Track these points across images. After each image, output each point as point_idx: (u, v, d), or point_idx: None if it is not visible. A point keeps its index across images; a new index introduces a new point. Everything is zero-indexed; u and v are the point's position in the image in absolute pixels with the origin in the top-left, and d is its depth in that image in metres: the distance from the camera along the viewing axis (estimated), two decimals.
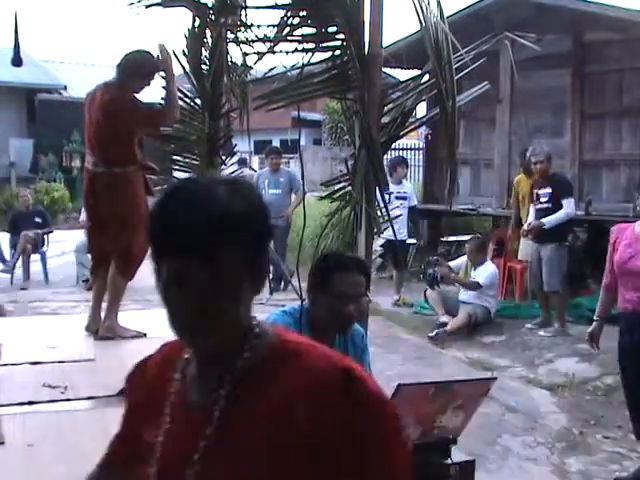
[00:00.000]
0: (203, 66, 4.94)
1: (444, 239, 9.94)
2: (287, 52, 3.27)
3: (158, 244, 1.12)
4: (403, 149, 15.64)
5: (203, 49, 4.89)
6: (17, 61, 13.19)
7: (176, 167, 5.32)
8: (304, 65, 3.24)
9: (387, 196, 3.56)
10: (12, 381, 3.60)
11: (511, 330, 7.06)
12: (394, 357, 6.25)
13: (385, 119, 3.36)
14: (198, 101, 5.02)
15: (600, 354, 6.08)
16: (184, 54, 4.87)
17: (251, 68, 4.66)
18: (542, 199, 6.91)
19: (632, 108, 8.27)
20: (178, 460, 1.12)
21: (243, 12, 4.01)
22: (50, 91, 20.31)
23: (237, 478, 1.06)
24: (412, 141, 14.40)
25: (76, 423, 3.07)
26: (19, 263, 9.45)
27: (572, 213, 6.91)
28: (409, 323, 7.51)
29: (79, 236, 9.38)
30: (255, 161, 19.36)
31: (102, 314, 4.54)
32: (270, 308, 5.86)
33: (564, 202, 6.80)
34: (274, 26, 3.27)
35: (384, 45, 3.34)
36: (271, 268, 8.94)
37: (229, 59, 4.84)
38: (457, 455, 2.14)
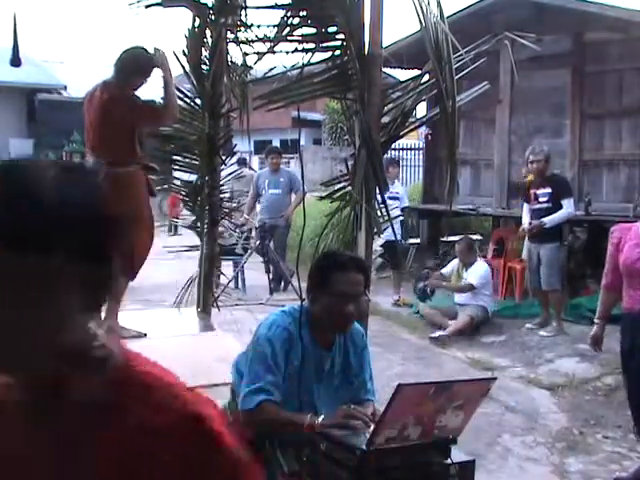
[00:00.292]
0: (203, 66, 4.94)
1: (444, 239, 9.94)
2: (287, 52, 3.27)
3: None
4: (403, 149, 15.64)
5: (203, 49, 4.89)
6: (16, 61, 13.18)
7: (176, 167, 5.33)
8: (304, 65, 3.24)
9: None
10: None
11: (511, 330, 7.06)
12: (394, 357, 6.25)
13: (385, 119, 3.36)
14: (198, 101, 5.02)
15: (600, 354, 6.09)
16: (184, 54, 4.87)
17: (251, 68, 4.66)
18: (541, 199, 6.91)
19: (632, 108, 8.26)
20: None
21: (243, 12, 4.01)
22: (50, 91, 20.30)
23: None
24: (412, 141, 14.41)
25: None
26: None
27: (572, 213, 6.92)
28: (409, 323, 7.51)
29: None
30: (255, 161, 19.38)
31: (102, 314, 4.54)
32: (270, 308, 5.87)
33: (564, 202, 6.81)
34: (274, 26, 3.27)
35: (384, 45, 3.33)
36: (271, 268, 8.96)
37: (229, 59, 4.84)
38: (457, 455, 2.14)
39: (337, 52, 3.30)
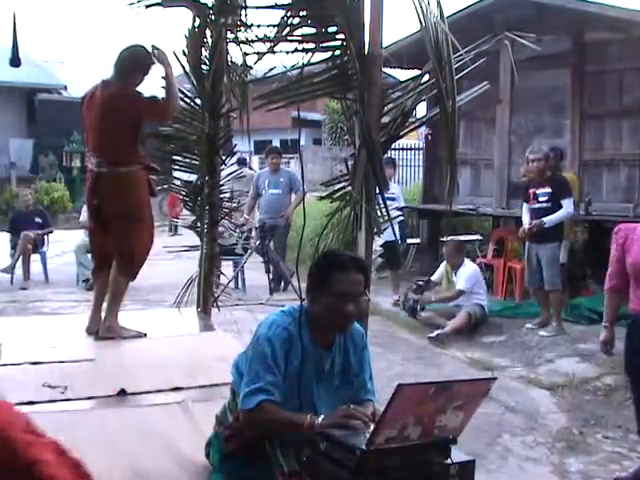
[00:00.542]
0: (203, 66, 4.94)
1: (444, 239, 9.94)
2: (287, 52, 3.27)
3: None
4: (403, 149, 15.64)
5: (203, 49, 4.90)
6: (15, 61, 13.18)
7: (176, 167, 5.33)
8: (304, 65, 3.24)
9: None
10: (12, 381, 3.60)
11: (511, 330, 7.06)
12: (394, 357, 6.25)
13: (385, 119, 3.36)
14: (198, 101, 5.02)
15: (600, 354, 6.09)
16: (184, 54, 4.88)
17: (251, 68, 4.66)
18: (541, 199, 6.91)
19: (632, 108, 8.26)
20: None
21: (243, 12, 4.01)
22: (50, 91, 20.31)
23: None
24: (412, 141, 14.41)
25: (76, 423, 3.07)
26: (19, 263, 9.45)
27: (572, 213, 6.92)
28: (409, 323, 7.51)
29: (79, 236, 9.40)
30: (255, 161, 19.38)
31: (102, 315, 4.54)
32: (270, 308, 5.87)
33: (564, 202, 6.81)
34: (274, 26, 3.27)
35: (384, 45, 3.33)
36: (271, 268, 8.96)
37: (229, 59, 4.84)
38: (457, 455, 2.14)
39: (337, 52, 3.30)
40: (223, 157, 5.17)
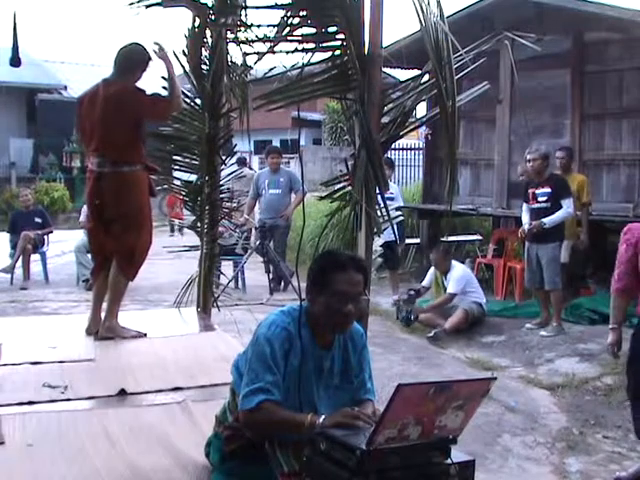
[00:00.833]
0: (203, 66, 4.94)
1: (444, 239, 9.94)
2: (287, 52, 3.27)
3: None
4: (403, 149, 15.65)
5: (203, 49, 4.90)
6: (15, 61, 13.18)
7: (176, 167, 5.33)
8: (304, 65, 3.24)
9: None
10: (12, 381, 3.60)
11: (511, 330, 7.06)
12: (394, 357, 6.25)
13: (385, 119, 3.36)
14: (198, 101, 5.02)
15: (600, 354, 6.09)
16: (184, 54, 4.88)
17: (251, 68, 4.67)
18: (540, 199, 6.91)
19: (632, 108, 8.25)
20: None
21: (243, 12, 4.01)
22: (50, 91, 20.32)
23: None
24: (412, 141, 14.41)
25: (76, 423, 3.07)
26: (19, 263, 9.45)
27: (572, 213, 6.92)
28: None
29: (79, 236, 9.40)
30: (255, 161, 19.39)
31: (102, 315, 4.54)
32: (270, 308, 5.87)
33: (563, 202, 6.81)
34: (274, 26, 3.26)
35: (384, 45, 3.33)
36: (271, 268, 8.96)
37: (229, 59, 4.84)
38: (457, 455, 2.14)
39: (337, 52, 3.30)
40: (223, 157, 5.17)
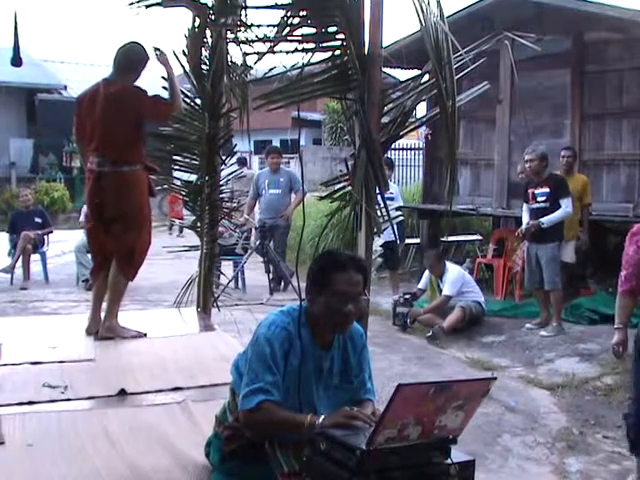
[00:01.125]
0: (203, 66, 4.94)
1: (444, 239, 9.94)
2: (287, 52, 3.27)
3: None
4: (403, 149, 15.65)
5: (203, 49, 4.90)
6: (17, 61, 13.17)
7: (176, 167, 5.33)
8: (304, 65, 3.24)
9: None
10: (12, 381, 3.60)
11: (511, 330, 7.06)
12: (394, 357, 6.25)
13: (385, 119, 3.36)
14: (198, 101, 5.02)
15: (600, 354, 6.09)
16: (184, 54, 4.88)
17: (251, 68, 4.67)
18: (539, 199, 6.92)
19: (632, 108, 8.25)
20: None
21: (243, 12, 4.01)
22: (50, 91, 20.32)
23: None
24: (412, 141, 14.41)
25: (76, 423, 3.07)
26: (19, 263, 9.45)
27: (570, 212, 6.92)
28: None
29: (79, 236, 9.40)
30: (255, 161, 19.39)
31: (102, 315, 4.54)
32: (270, 308, 5.87)
33: (562, 202, 6.81)
34: (274, 26, 3.26)
35: (384, 45, 3.33)
36: (271, 268, 8.96)
37: (229, 59, 4.84)
38: (457, 455, 2.14)
39: (337, 52, 3.30)
40: (223, 157, 5.17)
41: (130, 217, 4.38)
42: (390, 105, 3.38)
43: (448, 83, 3.04)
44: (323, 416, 2.25)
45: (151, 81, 4.63)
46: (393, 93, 3.44)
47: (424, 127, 9.69)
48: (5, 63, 16.80)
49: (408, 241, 9.92)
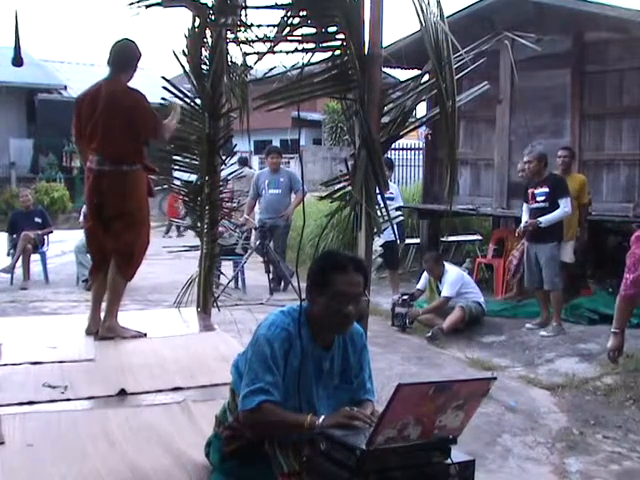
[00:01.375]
0: (203, 66, 4.94)
1: (444, 239, 9.95)
2: (287, 52, 3.27)
3: None
4: (403, 149, 15.65)
5: (203, 49, 4.90)
6: (18, 61, 13.15)
7: (176, 167, 5.33)
8: (304, 65, 3.24)
9: None
10: (12, 381, 3.60)
11: (511, 330, 7.06)
12: (394, 357, 6.25)
13: (385, 119, 3.36)
14: (198, 101, 5.02)
15: (600, 354, 6.09)
16: (184, 54, 4.88)
17: (251, 68, 4.67)
18: (539, 198, 6.92)
19: (632, 108, 8.25)
20: None
21: (243, 12, 4.01)
22: (50, 91, 20.33)
23: None
24: (412, 141, 14.41)
25: (76, 423, 3.07)
26: (19, 263, 9.45)
27: (569, 212, 6.92)
28: None
29: (79, 236, 9.39)
30: (255, 161, 19.39)
31: (102, 315, 4.54)
32: (270, 308, 5.87)
33: (561, 202, 6.81)
34: (274, 26, 3.27)
35: (384, 45, 3.33)
36: (271, 268, 8.96)
37: (229, 59, 4.84)
38: (457, 455, 2.14)
39: (337, 52, 3.30)
40: (223, 157, 5.17)
41: (129, 216, 4.38)
42: (390, 105, 3.38)
43: (448, 83, 3.04)
44: (323, 416, 2.25)
45: (147, 80, 4.63)
46: (393, 93, 3.44)
47: (424, 127, 9.68)
48: (6, 63, 16.79)
49: (408, 241, 9.92)
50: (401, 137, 3.50)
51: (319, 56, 3.34)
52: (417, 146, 14.54)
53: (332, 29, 3.27)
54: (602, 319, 6.96)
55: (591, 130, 8.64)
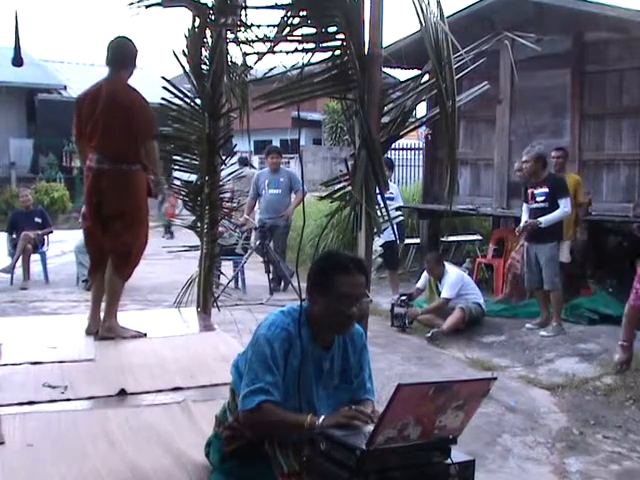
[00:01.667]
0: (203, 66, 4.94)
1: (444, 239, 9.95)
2: (287, 52, 3.27)
3: None
4: (403, 149, 15.65)
5: (203, 49, 4.89)
6: (18, 61, 13.15)
7: (176, 167, 5.33)
8: (304, 65, 3.24)
9: None
10: (12, 381, 3.60)
11: (511, 330, 7.06)
12: (394, 357, 6.25)
13: (385, 119, 3.36)
14: (198, 101, 5.02)
15: (600, 354, 6.09)
16: (184, 54, 4.88)
17: (251, 68, 4.67)
18: (538, 199, 6.92)
19: (632, 108, 8.25)
20: None
21: (243, 12, 4.01)
22: (50, 91, 20.33)
23: None
24: (412, 141, 14.42)
25: (76, 423, 3.07)
26: (19, 263, 9.44)
27: (568, 212, 6.92)
28: None
29: (79, 236, 9.38)
30: (255, 161, 19.40)
31: (102, 315, 4.54)
32: (270, 308, 5.87)
33: (561, 202, 6.81)
34: (274, 26, 3.27)
35: (384, 45, 3.33)
36: (271, 268, 8.96)
37: (229, 59, 4.84)
38: (457, 455, 2.14)
39: (337, 52, 3.30)
40: (223, 157, 5.17)
41: (128, 215, 4.37)
42: (390, 105, 3.38)
43: (448, 83, 3.04)
44: (323, 416, 2.25)
45: (147, 80, 4.63)
46: (393, 93, 3.44)
47: (424, 127, 9.69)
48: (6, 63, 16.80)
49: (408, 241, 9.91)
50: (401, 137, 3.50)
51: (319, 56, 3.34)
52: (417, 146, 14.54)
53: (332, 29, 3.27)
54: (602, 319, 6.97)
55: (591, 130, 8.64)
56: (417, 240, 10.25)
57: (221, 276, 7.48)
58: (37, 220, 9.86)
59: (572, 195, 7.26)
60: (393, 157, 13.14)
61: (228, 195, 5.43)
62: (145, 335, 4.53)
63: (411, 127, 3.49)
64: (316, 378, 2.43)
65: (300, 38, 3.31)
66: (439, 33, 3.05)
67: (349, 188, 3.36)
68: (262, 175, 9.48)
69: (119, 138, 4.25)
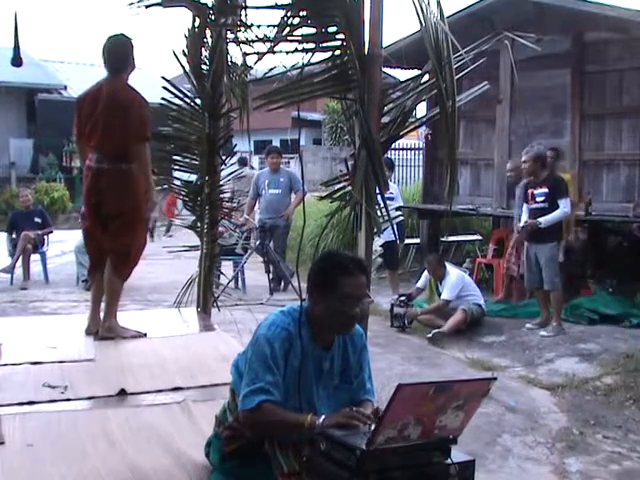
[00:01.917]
0: (203, 66, 4.94)
1: (444, 239, 9.95)
2: (287, 52, 3.27)
3: None
4: (403, 149, 15.65)
5: (203, 49, 4.90)
6: (17, 61, 13.16)
7: (176, 167, 5.33)
8: (304, 65, 3.24)
9: None
10: (12, 381, 3.60)
11: (511, 330, 7.06)
12: (394, 357, 6.25)
13: (385, 119, 3.36)
14: (198, 101, 5.02)
15: (600, 354, 6.09)
16: (184, 54, 4.88)
17: (251, 68, 4.67)
18: (538, 199, 6.92)
19: (632, 108, 8.26)
20: None
21: (243, 12, 4.01)
22: (50, 91, 20.33)
23: None
24: (412, 141, 14.42)
25: (76, 423, 3.07)
26: (19, 263, 9.44)
27: (568, 213, 6.92)
28: None
29: (79, 236, 9.37)
30: (255, 161, 19.40)
31: (102, 315, 4.54)
32: (270, 308, 5.87)
33: (560, 202, 6.81)
34: (274, 26, 3.27)
35: (384, 45, 3.33)
36: (271, 268, 8.96)
37: (229, 59, 4.84)
38: (457, 455, 2.14)
39: (337, 52, 3.30)
40: (223, 157, 5.17)
41: (127, 215, 4.37)
42: (390, 105, 3.38)
43: (448, 83, 3.04)
44: (323, 416, 2.25)
45: (147, 80, 4.63)
46: (393, 93, 3.44)
47: (424, 127, 9.69)
48: (5, 63, 16.80)
49: (408, 241, 9.91)
50: (401, 137, 3.50)
51: (319, 56, 3.34)
52: (417, 146, 14.54)
53: (332, 29, 3.27)
54: (602, 319, 6.97)
55: (591, 130, 8.65)
56: (417, 240, 10.25)
57: (221, 276, 7.48)
58: (37, 220, 9.86)
59: None
60: (393, 157, 13.14)
61: (228, 195, 5.43)
62: (145, 335, 4.53)
63: (411, 127, 3.49)
64: (316, 378, 2.43)
65: (300, 38, 3.31)
66: (439, 33, 3.05)
67: (349, 188, 3.36)
68: (262, 175, 9.48)
69: (119, 138, 4.25)
